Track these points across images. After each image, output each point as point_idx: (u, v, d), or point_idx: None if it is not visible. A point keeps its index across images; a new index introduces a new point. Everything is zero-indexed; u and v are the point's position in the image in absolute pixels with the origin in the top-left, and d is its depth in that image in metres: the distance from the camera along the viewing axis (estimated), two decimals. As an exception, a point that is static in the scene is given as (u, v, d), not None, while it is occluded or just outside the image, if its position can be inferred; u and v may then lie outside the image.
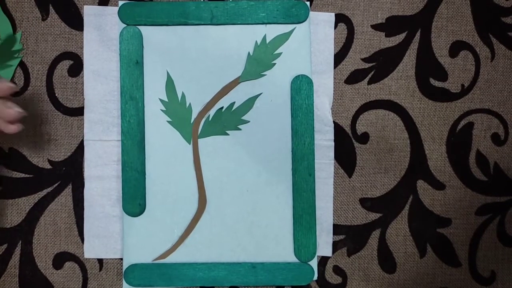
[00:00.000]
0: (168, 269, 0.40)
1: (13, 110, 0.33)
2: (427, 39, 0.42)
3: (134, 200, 0.40)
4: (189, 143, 0.41)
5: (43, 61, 0.41)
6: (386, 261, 0.42)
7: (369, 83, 0.42)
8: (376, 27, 0.42)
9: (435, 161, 0.42)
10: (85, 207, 0.40)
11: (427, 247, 0.42)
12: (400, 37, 0.42)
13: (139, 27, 0.40)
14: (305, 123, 0.40)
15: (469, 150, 0.43)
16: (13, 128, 0.34)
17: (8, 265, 0.40)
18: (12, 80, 0.40)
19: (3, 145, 0.40)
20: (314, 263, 0.41)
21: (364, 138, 0.42)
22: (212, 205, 0.41)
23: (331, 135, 0.41)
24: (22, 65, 0.40)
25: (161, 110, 0.40)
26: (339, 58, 0.42)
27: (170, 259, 0.40)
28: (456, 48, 0.42)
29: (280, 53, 0.40)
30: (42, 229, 0.40)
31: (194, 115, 0.40)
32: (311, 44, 0.41)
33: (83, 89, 0.40)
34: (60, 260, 0.41)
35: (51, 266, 0.41)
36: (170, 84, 0.40)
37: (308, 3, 0.40)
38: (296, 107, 0.40)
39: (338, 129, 0.42)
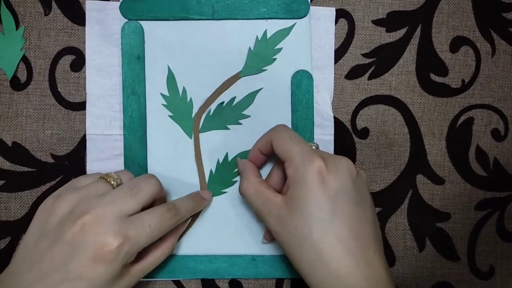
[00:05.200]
0: (170, 261, 0.40)
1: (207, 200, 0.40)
2: (428, 35, 0.42)
3: (135, 193, 0.40)
4: (190, 138, 0.41)
5: (45, 56, 0.41)
6: (385, 254, 0.42)
7: (369, 78, 0.42)
8: (377, 22, 0.42)
9: (435, 156, 0.43)
10: (87, 201, 0.41)
11: (426, 241, 0.43)
12: (401, 32, 0.42)
13: (140, 22, 0.40)
14: (305, 118, 0.41)
15: (469, 145, 0.43)
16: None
17: (12, 258, 0.40)
18: (15, 75, 0.41)
19: (6, 139, 0.41)
20: (313, 257, 0.41)
21: (364, 133, 0.42)
22: (213, 198, 0.41)
23: (331, 130, 0.41)
24: (25, 59, 0.41)
25: (163, 104, 0.41)
26: (339, 53, 0.42)
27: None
28: (456, 43, 0.42)
29: (281, 48, 0.41)
30: (45, 222, 0.41)
31: (195, 110, 0.41)
32: (311, 39, 0.41)
33: (85, 83, 0.41)
34: (63, 252, 0.41)
35: (54, 258, 0.41)
36: (171, 79, 0.41)
37: (308, -2, 0.41)
38: (297, 102, 0.41)
39: (338, 124, 0.42)
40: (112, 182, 0.34)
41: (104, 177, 0.35)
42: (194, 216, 0.41)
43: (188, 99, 0.41)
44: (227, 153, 0.41)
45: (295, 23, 0.41)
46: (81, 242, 0.31)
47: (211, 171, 0.41)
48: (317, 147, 0.37)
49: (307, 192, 0.32)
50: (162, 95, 0.41)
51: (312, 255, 0.31)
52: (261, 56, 0.41)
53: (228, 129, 0.41)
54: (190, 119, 0.41)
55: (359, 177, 0.34)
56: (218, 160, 0.41)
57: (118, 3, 0.40)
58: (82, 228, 0.31)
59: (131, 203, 0.33)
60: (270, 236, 0.40)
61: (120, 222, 0.32)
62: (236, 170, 0.41)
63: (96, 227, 0.31)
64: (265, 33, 0.41)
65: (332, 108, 0.42)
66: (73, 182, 0.35)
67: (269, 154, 0.37)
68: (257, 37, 0.41)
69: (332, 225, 0.31)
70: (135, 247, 0.32)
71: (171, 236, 0.37)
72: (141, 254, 0.35)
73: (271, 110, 0.41)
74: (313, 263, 0.31)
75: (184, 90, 0.41)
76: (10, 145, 0.41)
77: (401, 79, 0.42)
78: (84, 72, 0.41)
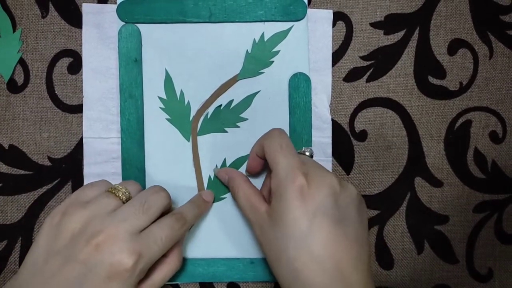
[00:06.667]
0: (167, 265, 0.40)
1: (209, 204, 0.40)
2: (426, 37, 0.42)
3: (133, 197, 0.40)
4: (188, 141, 0.41)
5: (42, 59, 0.41)
6: (384, 257, 0.42)
7: (367, 81, 0.42)
8: (374, 25, 0.42)
9: (433, 158, 0.43)
10: (84, 204, 0.41)
11: (424, 244, 0.43)
12: (399, 35, 0.42)
13: (137, 25, 0.40)
14: (303, 121, 0.41)
15: (467, 148, 0.43)
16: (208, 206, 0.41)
17: (8, 262, 0.40)
18: (12, 77, 0.40)
19: (3, 142, 0.40)
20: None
21: (362, 135, 0.42)
22: (213, 204, 0.41)
23: (329, 132, 0.41)
24: (22, 62, 0.41)
25: (160, 107, 0.40)
26: (337, 56, 0.42)
27: (169, 255, 0.40)
28: (454, 46, 0.42)
29: (278, 51, 0.41)
30: (42, 225, 0.41)
31: (192, 113, 0.41)
32: (309, 42, 0.41)
33: (82, 86, 0.40)
34: (60, 256, 0.41)
35: (51, 262, 0.41)
36: (168, 82, 0.40)
37: (306, 0, 0.40)
38: (294, 104, 0.41)
39: (336, 127, 0.42)
40: (121, 196, 0.34)
41: (112, 191, 0.34)
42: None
43: (186, 102, 0.41)
44: (225, 159, 0.41)
45: (292, 26, 0.41)
46: (95, 262, 0.30)
47: (209, 177, 0.41)
48: (311, 154, 0.37)
49: (285, 209, 0.32)
50: (160, 98, 0.40)
51: (288, 271, 0.31)
52: (258, 58, 0.41)
53: (226, 132, 0.41)
54: (188, 122, 0.41)
55: (345, 194, 0.33)
56: (217, 166, 0.41)
57: (115, 6, 0.40)
58: (97, 248, 0.30)
59: (143, 219, 0.32)
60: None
61: (134, 239, 0.31)
62: None
63: (111, 247, 0.31)
64: (262, 35, 0.40)
65: (330, 111, 0.42)
66: (79, 194, 0.34)
67: (265, 158, 0.37)
68: (254, 39, 0.40)
69: (307, 243, 0.31)
70: (149, 263, 0.32)
71: (176, 250, 0.36)
72: (151, 271, 0.34)
73: (269, 113, 0.41)
74: (289, 279, 0.32)
75: (181, 93, 0.41)
76: (6, 148, 0.40)
77: (399, 81, 0.42)
78: (82, 74, 0.41)
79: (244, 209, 0.36)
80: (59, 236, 0.32)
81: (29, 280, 0.31)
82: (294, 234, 0.31)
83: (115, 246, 0.31)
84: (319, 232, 0.31)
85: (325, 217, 0.31)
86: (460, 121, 0.43)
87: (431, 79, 0.42)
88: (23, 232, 0.41)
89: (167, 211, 0.36)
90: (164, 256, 0.35)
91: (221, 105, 0.41)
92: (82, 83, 0.41)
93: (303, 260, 0.31)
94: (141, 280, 0.33)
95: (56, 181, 0.41)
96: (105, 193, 0.34)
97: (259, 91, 0.41)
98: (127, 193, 0.34)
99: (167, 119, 0.40)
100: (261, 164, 0.39)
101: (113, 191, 0.34)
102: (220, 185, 0.41)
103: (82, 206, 0.32)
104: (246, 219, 0.40)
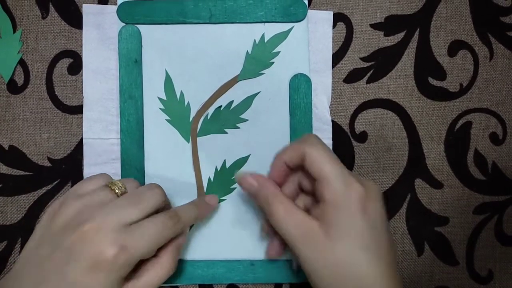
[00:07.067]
0: (167, 266, 0.40)
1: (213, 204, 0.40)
2: (426, 38, 0.42)
3: (133, 198, 0.40)
4: (188, 142, 0.41)
5: (43, 59, 0.41)
6: (384, 259, 0.42)
7: (367, 82, 0.42)
8: (375, 26, 0.42)
9: (433, 160, 0.43)
10: (84, 205, 0.41)
11: (424, 246, 0.43)
12: (399, 36, 0.42)
13: (138, 26, 0.40)
14: (303, 122, 0.41)
15: (467, 149, 0.43)
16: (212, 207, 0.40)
17: (8, 262, 0.40)
18: (12, 78, 0.40)
19: (3, 142, 0.40)
20: (312, 261, 0.41)
21: (362, 137, 0.42)
22: (212, 205, 0.41)
23: (329, 134, 0.41)
24: (22, 63, 0.41)
25: (160, 108, 0.40)
26: (338, 57, 0.42)
27: (169, 256, 0.40)
28: (454, 47, 0.42)
29: (279, 52, 0.41)
30: (42, 226, 0.41)
31: (192, 114, 0.41)
32: (309, 43, 0.41)
33: (82, 87, 0.41)
34: (59, 257, 0.41)
35: (51, 263, 0.41)
36: (168, 83, 0.40)
37: (306, 1, 0.40)
38: (295, 105, 0.41)
39: (336, 128, 0.42)
40: (117, 191, 0.34)
41: (108, 185, 0.34)
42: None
43: (186, 103, 0.41)
44: (225, 160, 0.41)
45: (292, 27, 0.41)
46: (79, 250, 0.30)
47: (209, 179, 0.41)
48: None
49: (349, 220, 0.31)
50: (160, 99, 0.40)
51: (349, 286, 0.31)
52: (259, 59, 0.41)
53: (226, 133, 0.41)
54: (188, 123, 0.41)
55: (383, 201, 0.33)
56: (216, 167, 0.41)
57: (115, 7, 0.40)
58: (81, 236, 0.30)
59: (133, 212, 0.32)
60: (272, 231, 0.37)
61: (119, 231, 0.31)
62: (232, 176, 0.41)
63: (94, 236, 0.30)
64: (262, 36, 0.40)
65: (330, 112, 0.42)
66: (77, 187, 0.35)
67: (296, 168, 0.35)
68: (254, 40, 0.41)
69: (376, 257, 0.31)
70: (135, 257, 0.31)
71: (170, 252, 0.35)
72: (142, 271, 0.33)
73: (269, 114, 0.41)
74: None
75: (181, 94, 0.41)
76: (7, 148, 0.40)
77: (399, 82, 0.42)
78: (82, 75, 0.41)
79: (284, 225, 0.33)
80: (52, 225, 0.32)
81: (22, 267, 0.32)
82: (362, 247, 0.31)
83: (98, 236, 0.30)
84: (383, 244, 0.31)
85: (383, 227, 0.32)
86: (460, 122, 0.43)
87: (431, 81, 0.42)
88: (22, 233, 0.40)
89: (163, 210, 0.35)
90: (157, 257, 0.34)
91: (221, 106, 0.41)
92: (82, 84, 0.41)
93: (374, 277, 0.30)
94: (130, 280, 0.32)
95: (56, 182, 0.41)
96: (102, 186, 0.34)
97: (259, 92, 0.41)
98: (123, 188, 0.34)
99: (166, 120, 0.40)
100: (287, 176, 0.36)
101: (110, 185, 0.34)
102: (220, 187, 0.41)
103: (78, 198, 0.33)
104: (246, 221, 0.40)
